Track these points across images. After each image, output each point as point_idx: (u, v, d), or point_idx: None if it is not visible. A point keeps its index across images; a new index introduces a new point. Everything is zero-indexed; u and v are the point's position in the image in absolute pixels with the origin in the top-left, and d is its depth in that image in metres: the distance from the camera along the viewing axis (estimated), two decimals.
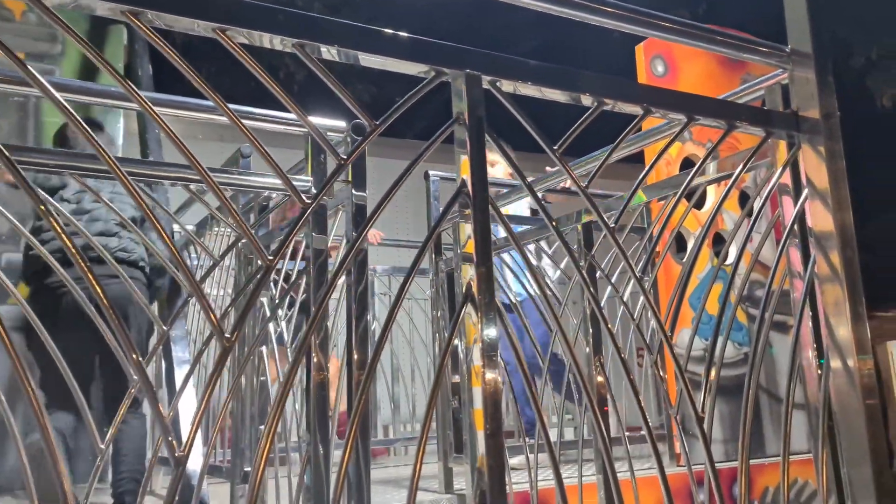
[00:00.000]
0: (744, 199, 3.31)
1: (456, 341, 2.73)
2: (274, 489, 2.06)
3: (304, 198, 0.91)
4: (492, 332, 1.00)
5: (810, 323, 1.45)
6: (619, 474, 1.33)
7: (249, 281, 1.97)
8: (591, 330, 2.21)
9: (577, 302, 2.39)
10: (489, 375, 0.98)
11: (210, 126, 5.96)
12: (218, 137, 5.34)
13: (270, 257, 0.86)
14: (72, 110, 0.87)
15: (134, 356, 0.84)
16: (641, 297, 2.98)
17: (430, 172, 2.78)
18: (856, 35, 8.37)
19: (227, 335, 0.82)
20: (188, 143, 0.93)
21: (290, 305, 2.13)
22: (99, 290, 0.83)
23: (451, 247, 2.70)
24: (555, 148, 1.07)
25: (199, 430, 2.32)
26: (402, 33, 1.00)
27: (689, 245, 3.16)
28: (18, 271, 2.62)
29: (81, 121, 0.87)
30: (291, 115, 1.55)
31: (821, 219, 1.36)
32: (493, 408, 0.97)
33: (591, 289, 1.52)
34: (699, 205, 3.13)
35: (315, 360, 1.66)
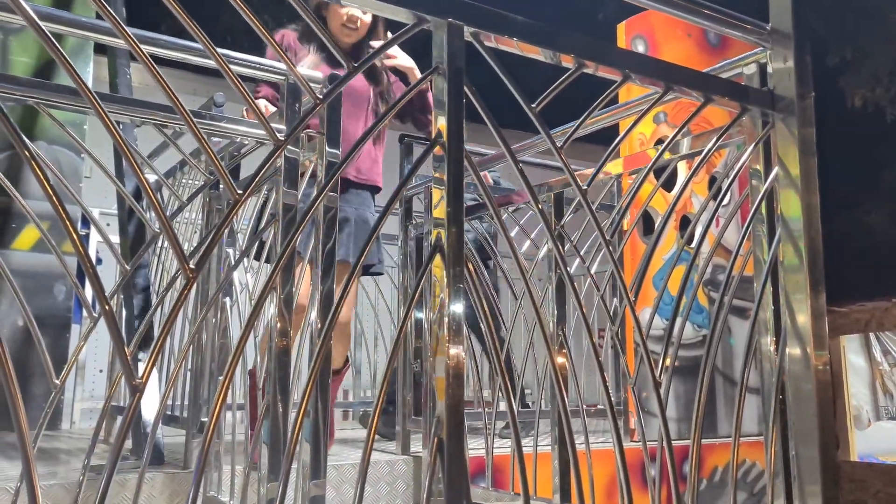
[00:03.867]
0: (714, 185, 3.35)
1: (420, 314, 2.71)
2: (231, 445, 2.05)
3: (277, 136, 0.89)
4: (458, 306, 0.96)
5: (772, 308, 1.47)
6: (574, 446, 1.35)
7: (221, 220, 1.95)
8: (555, 302, 2.23)
9: (541, 279, 2.40)
10: (453, 351, 0.95)
11: (184, 80, 5.85)
12: (191, 91, 5.25)
13: (240, 191, 0.85)
14: (51, 36, 0.84)
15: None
16: (605, 273, 2.99)
17: (405, 136, 2.76)
18: (832, 34, 8.48)
19: (190, 266, 0.81)
20: (160, 97, 0.90)
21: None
22: (76, 237, 0.81)
23: (423, 215, 2.70)
24: (533, 106, 1.07)
25: (158, 374, 2.28)
26: None
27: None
28: None
29: (59, 47, 0.84)
30: (269, 61, 1.52)
31: (788, 201, 1.37)
32: (456, 382, 0.95)
33: (562, 258, 1.52)
34: (669, 186, 3.16)
35: (279, 325, 1.64)
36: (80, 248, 0.83)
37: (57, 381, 1.25)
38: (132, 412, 0.79)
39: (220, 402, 0.93)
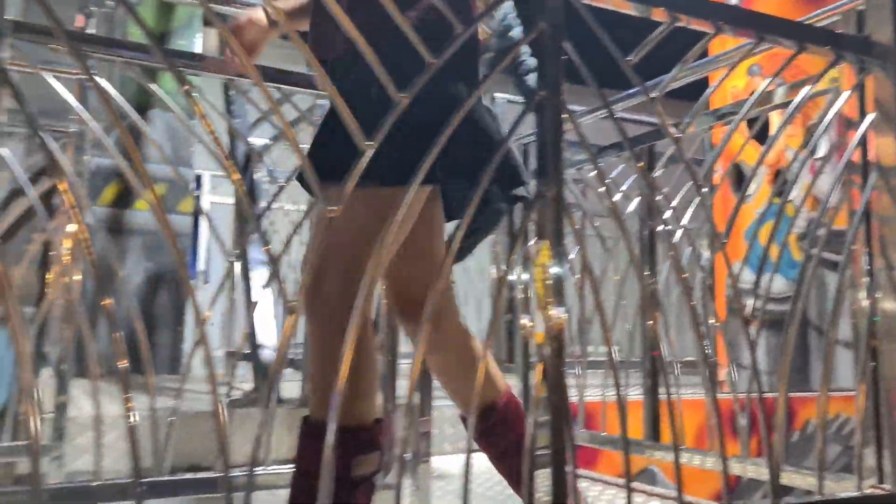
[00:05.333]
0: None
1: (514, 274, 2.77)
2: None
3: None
4: (558, 264, 0.97)
5: (866, 261, 1.45)
6: (664, 396, 1.37)
7: None
8: (647, 257, 2.27)
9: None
10: (553, 313, 0.95)
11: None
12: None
13: None
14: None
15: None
16: (693, 230, 2.97)
17: (496, 95, 2.81)
18: None
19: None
20: None
21: None
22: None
23: None
24: (628, 59, 1.13)
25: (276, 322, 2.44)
26: None
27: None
28: (105, 174, 2.81)
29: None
30: None
31: (885, 148, 1.36)
32: (557, 343, 0.95)
33: (652, 213, 1.57)
34: (762, 139, 3.11)
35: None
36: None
37: (206, 314, 1.41)
38: (290, 331, 0.91)
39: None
